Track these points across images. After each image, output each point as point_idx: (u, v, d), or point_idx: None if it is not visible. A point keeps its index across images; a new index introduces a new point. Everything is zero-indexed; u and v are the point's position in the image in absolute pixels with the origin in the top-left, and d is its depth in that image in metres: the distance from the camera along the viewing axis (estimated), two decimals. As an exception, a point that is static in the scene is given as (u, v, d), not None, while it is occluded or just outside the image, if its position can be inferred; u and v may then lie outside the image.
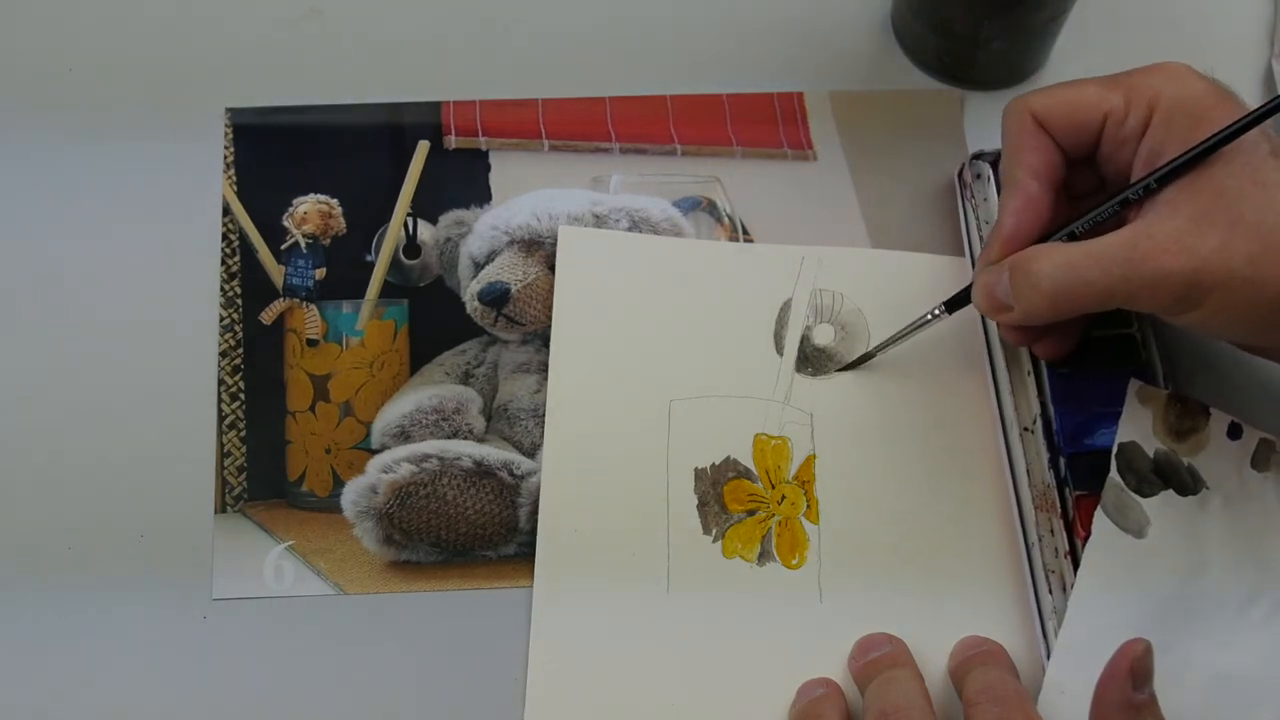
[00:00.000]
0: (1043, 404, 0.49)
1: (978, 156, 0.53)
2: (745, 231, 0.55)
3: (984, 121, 0.56)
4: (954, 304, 0.49)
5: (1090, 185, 0.47)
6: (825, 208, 0.55)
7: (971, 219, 0.52)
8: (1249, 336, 0.45)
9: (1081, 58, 0.58)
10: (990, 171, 0.53)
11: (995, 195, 0.53)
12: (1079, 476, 0.48)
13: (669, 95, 0.57)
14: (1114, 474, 0.48)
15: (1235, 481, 0.48)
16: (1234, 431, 0.48)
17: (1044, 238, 0.45)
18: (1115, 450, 0.48)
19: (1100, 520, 0.47)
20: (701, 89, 0.57)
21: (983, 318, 0.51)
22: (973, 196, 0.53)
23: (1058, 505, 0.48)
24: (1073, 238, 0.45)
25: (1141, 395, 0.48)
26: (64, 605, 0.49)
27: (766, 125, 0.57)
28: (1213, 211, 0.41)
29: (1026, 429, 0.49)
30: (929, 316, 0.49)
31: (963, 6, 0.53)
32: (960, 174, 0.54)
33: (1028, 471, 0.49)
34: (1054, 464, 0.48)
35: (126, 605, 0.49)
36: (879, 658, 0.46)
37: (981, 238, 0.52)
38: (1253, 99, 0.57)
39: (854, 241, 0.54)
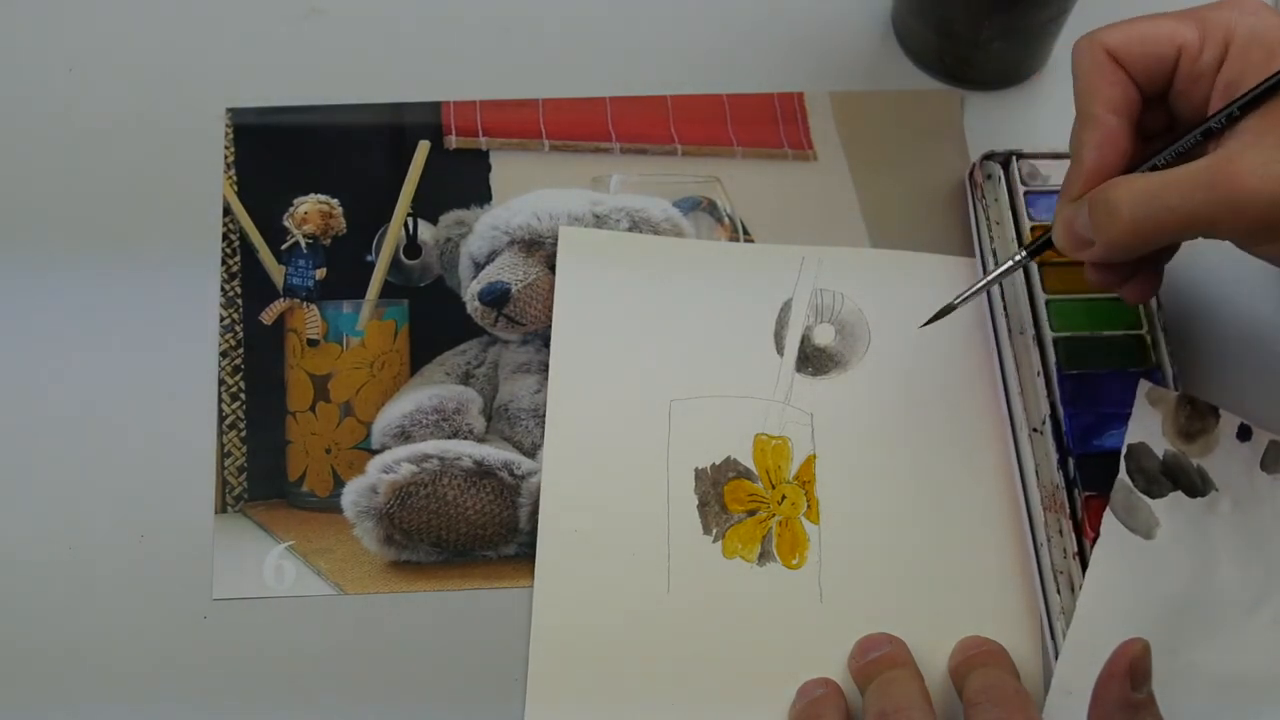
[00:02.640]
0: (1052, 404, 0.49)
1: (989, 157, 0.53)
2: (745, 231, 0.55)
3: (984, 121, 0.57)
4: (1036, 249, 0.47)
5: (1160, 124, 0.46)
6: (825, 208, 0.55)
7: (982, 219, 0.52)
8: None
9: (1082, 58, 0.58)
10: (1000, 172, 0.53)
11: (1005, 195, 0.53)
12: (1088, 477, 0.48)
13: (669, 95, 0.57)
14: (1123, 475, 0.48)
15: (1244, 483, 0.48)
16: (1244, 433, 0.48)
17: (1123, 174, 0.44)
18: (1124, 452, 0.48)
19: (1109, 521, 0.47)
20: (701, 89, 0.57)
21: (992, 317, 0.51)
22: (983, 197, 0.53)
23: (1066, 506, 0.48)
24: (1154, 170, 0.43)
25: (1151, 397, 0.48)
26: (64, 605, 0.49)
27: (766, 125, 0.57)
28: None
29: (1035, 429, 0.49)
30: (1010, 263, 0.47)
31: (963, 6, 0.53)
32: (971, 174, 0.54)
33: (1036, 472, 0.49)
34: (1063, 465, 0.48)
35: (126, 605, 0.49)
36: (879, 658, 0.46)
37: (993, 238, 0.52)
38: (1253, 99, 0.57)
39: (854, 241, 0.55)
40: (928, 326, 0.49)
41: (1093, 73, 0.44)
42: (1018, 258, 0.47)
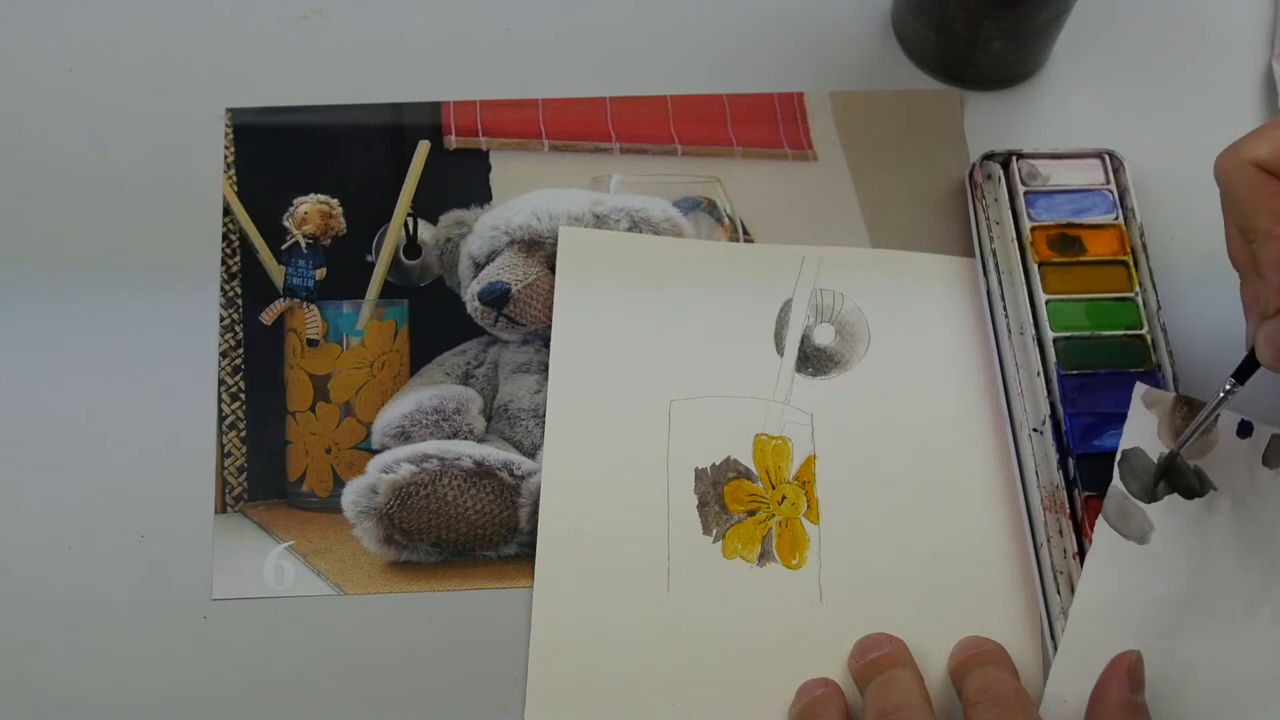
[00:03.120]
0: (1052, 405, 0.49)
1: (989, 157, 0.53)
2: (745, 231, 0.55)
3: (984, 121, 0.56)
4: (1243, 373, 0.45)
5: None
6: (825, 208, 0.55)
7: (982, 219, 0.53)
8: None
9: (1081, 58, 0.58)
10: (1000, 172, 0.53)
11: (1005, 196, 0.53)
12: (1088, 477, 0.48)
13: (669, 95, 0.57)
14: (1116, 481, 0.47)
15: (1245, 480, 0.48)
16: (1244, 430, 0.48)
17: None
18: (1118, 458, 0.48)
19: (1102, 528, 0.47)
20: (701, 89, 0.57)
21: (992, 317, 0.51)
22: (983, 197, 0.53)
23: (1066, 506, 0.48)
24: None
25: (1147, 400, 0.48)
26: (64, 605, 0.49)
27: (766, 125, 0.57)
28: None
29: (1035, 430, 0.49)
30: (1222, 394, 0.45)
31: (963, 6, 0.53)
32: (971, 174, 0.54)
33: (1036, 472, 0.49)
34: (1063, 465, 0.48)
35: (126, 605, 0.49)
36: (879, 658, 0.46)
37: (992, 238, 0.52)
38: (1252, 99, 0.57)
39: (854, 241, 0.55)
40: (1205, 427, 0.47)
41: (1249, 190, 0.43)
42: (1228, 386, 0.45)
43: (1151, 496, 0.47)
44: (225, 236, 0.54)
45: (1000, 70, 0.57)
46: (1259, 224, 0.43)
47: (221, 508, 0.50)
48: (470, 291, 0.54)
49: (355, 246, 0.54)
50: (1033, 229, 0.52)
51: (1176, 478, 0.48)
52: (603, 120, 0.57)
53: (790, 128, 0.57)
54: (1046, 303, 0.51)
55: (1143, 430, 0.48)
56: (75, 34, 0.58)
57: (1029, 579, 0.48)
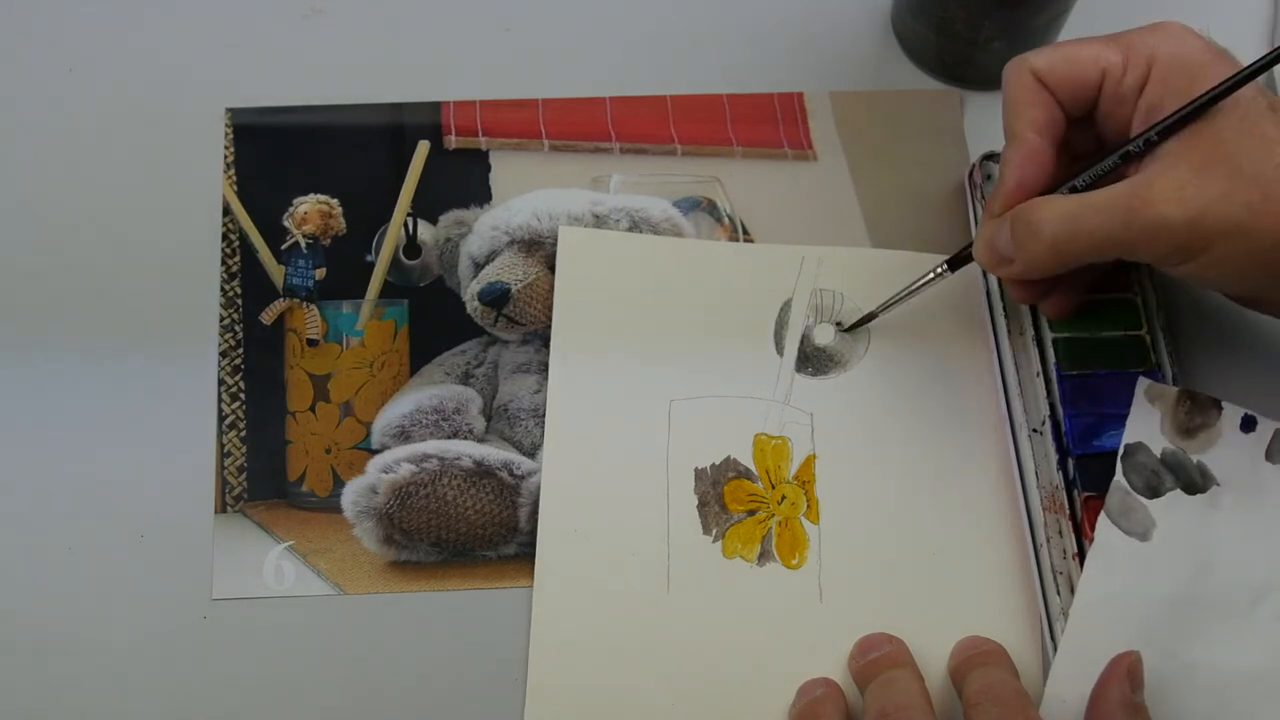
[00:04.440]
0: (1052, 405, 0.49)
1: (989, 157, 0.53)
2: (745, 231, 0.55)
3: (984, 121, 0.57)
4: (956, 261, 0.49)
5: (1088, 146, 0.47)
6: (825, 208, 0.55)
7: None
8: (1245, 287, 0.45)
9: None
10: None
11: None
12: (1088, 478, 0.48)
13: (669, 95, 0.57)
14: (1119, 477, 0.47)
15: (1248, 475, 0.47)
16: (1248, 424, 0.48)
17: (1046, 193, 0.45)
18: (1121, 453, 0.48)
19: (1104, 525, 0.47)
20: (701, 89, 0.57)
21: (992, 318, 0.52)
22: (983, 197, 0.53)
23: (1066, 506, 0.48)
24: (1074, 192, 0.45)
25: (1150, 394, 0.48)
26: (64, 605, 0.49)
27: (766, 125, 0.57)
28: (1212, 163, 0.42)
29: (1035, 430, 0.49)
30: (931, 275, 0.49)
31: (963, 6, 0.53)
32: (970, 174, 0.54)
33: (1036, 473, 0.49)
34: (1063, 465, 0.48)
35: (126, 605, 0.49)
36: (879, 658, 0.46)
37: None
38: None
39: (854, 241, 0.55)
40: (899, 302, 0.50)
41: (1019, 94, 0.46)
42: (938, 269, 0.49)
43: (1153, 492, 0.47)
44: (225, 236, 0.54)
45: (1000, 70, 0.56)
46: (1016, 126, 0.46)
47: (221, 508, 0.50)
48: (470, 291, 0.54)
49: (355, 246, 0.54)
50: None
51: (1179, 473, 0.48)
52: (603, 120, 0.57)
53: (790, 128, 0.57)
54: (1046, 303, 0.51)
55: (1146, 425, 0.48)
56: (75, 34, 0.58)
57: (1029, 579, 0.48)
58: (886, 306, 0.50)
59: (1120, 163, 0.44)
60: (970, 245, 0.48)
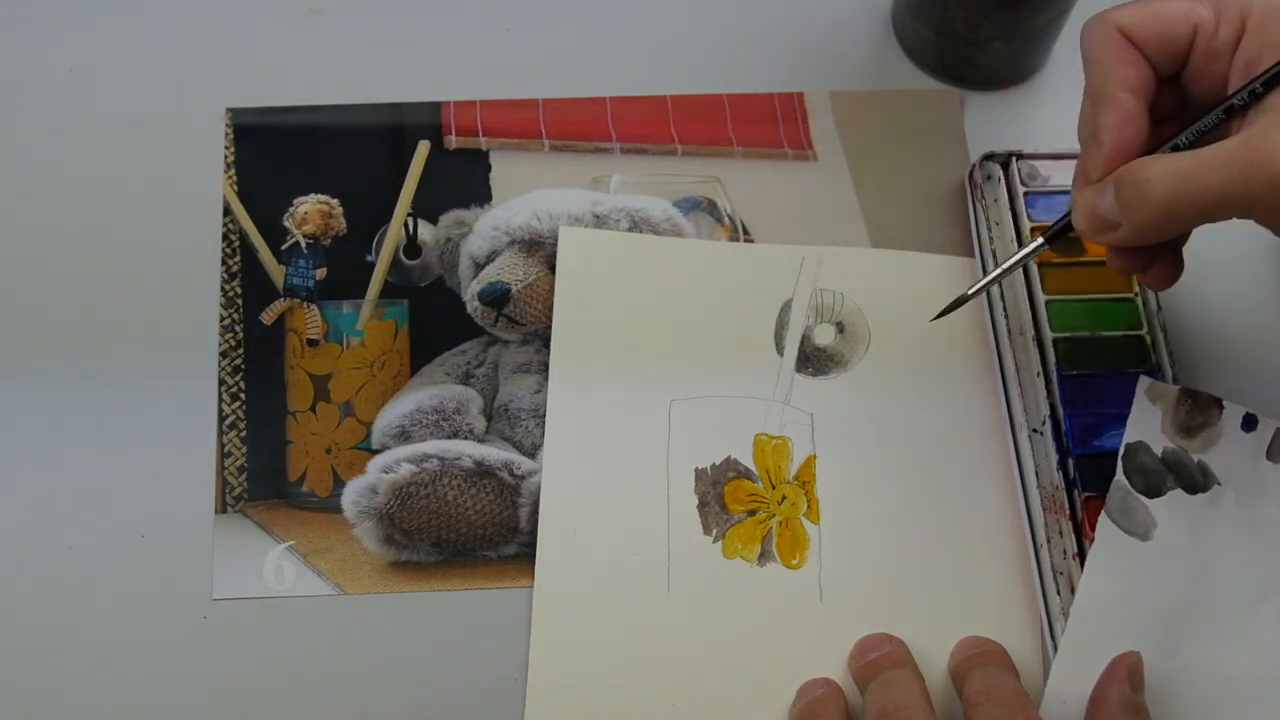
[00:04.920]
0: (1052, 405, 0.49)
1: (989, 158, 0.53)
2: (745, 231, 0.55)
3: (984, 121, 0.57)
4: (1055, 235, 0.45)
5: (1171, 107, 0.45)
6: (825, 208, 0.55)
7: (982, 219, 0.53)
8: None
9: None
10: (1000, 173, 0.53)
11: (1005, 196, 0.53)
12: (1088, 478, 0.48)
13: (669, 95, 0.57)
14: (1120, 476, 0.47)
15: (1249, 475, 0.47)
16: (1248, 423, 0.48)
17: (1144, 155, 0.43)
18: (1122, 452, 0.48)
19: (1104, 524, 0.47)
20: (701, 89, 0.57)
21: (992, 318, 0.51)
22: (983, 197, 0.53)
23: (1066, 507, 0.48)
24: (1176, 150, 0.42)
25: (1151, 393, 0.48)
26: (64, 605, 0.49)
27: (767, 125, 0.57)
28: None
29: (1035, 430, 0.49)
30: (1030, 248, 0.46)
31: (963, 6, 0.53)
32: (970, 175, 0.54)
33: (1036, 473, 0.49)
34: (1063, 465, 0.48)
35: (126, 605, 0.49)
36: (879, 658, 0.46)
37: (992, 238, 0.52)
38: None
39: (854, 241, 0.55)
40: (939, 320, 0.48)
41: (1107, 53, 0.43)
42: (1037, 243, 0.46)
43: (1154, 491, 0.47)
44: (225, 236, 0.54)
45: (1000, 70, 0.57)
46: (1109, 88, 0.43)
47: (221, 508, 0.50)
48: (470, 291, 0.54)
49: (355, 246, 0.54)
50: (1033, 229, 0.52)
51: (1180, 472, 0.48)
52: (603, 120, 0.57)
53: (790, 128, 0.57)
54: (1046, 303, 0.51)
55: (1146, 424, 0.48)
56: (75, 34, 0.58)
57: (1029, 579, 0.48)
58: (979, 288, 0.47)
59: (1224, 117, 0.42)
60: (1067, 215, 0.45)
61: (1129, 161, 0.42)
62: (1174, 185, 0.40)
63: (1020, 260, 0.46)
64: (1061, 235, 0.45)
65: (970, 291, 0.47)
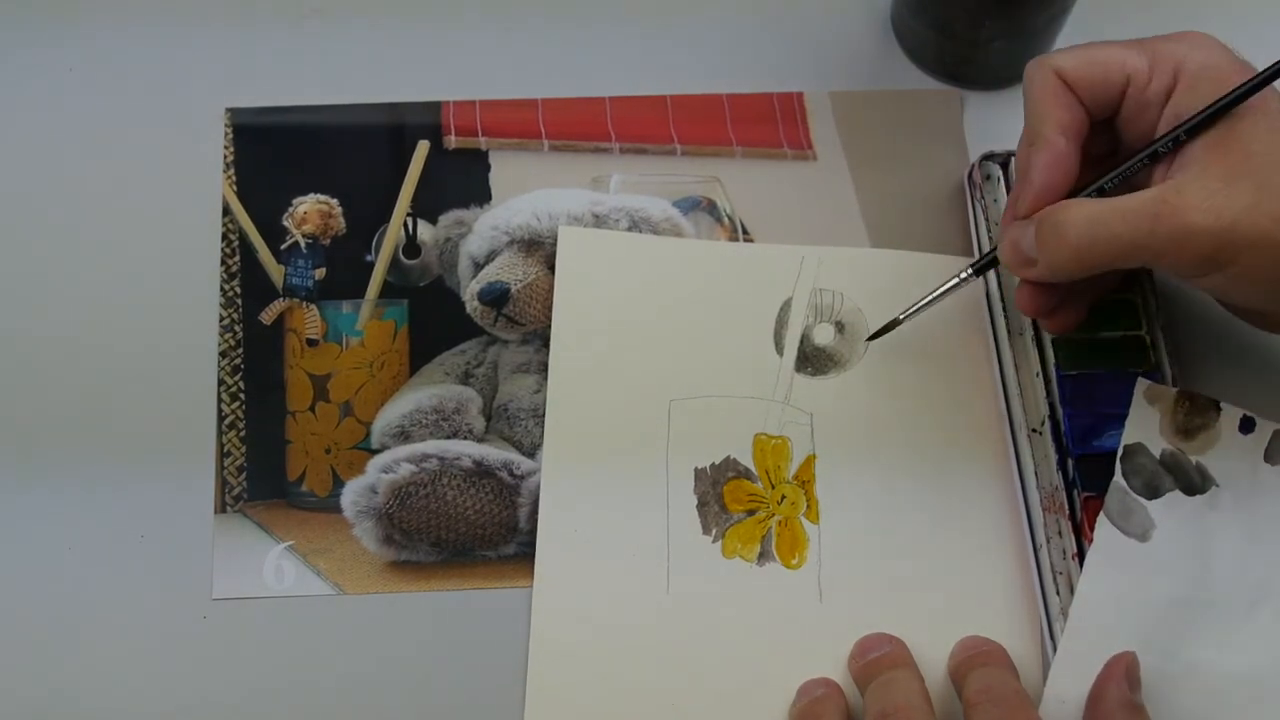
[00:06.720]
0: (1051, 405, 0.49)
1: (988, 158, 0.53)
2: (745, 231, 0.55)
3: (984, 121, 0.56)
4: (981, 267, 0.49)
5: (1106, 148, 0.47)
6: (825, 208, 0.55)
7: (981, 219, 0.53)
8: (1270, 302, 0.44)
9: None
10: (1000, 173, 0.53)
11: (1005, 196, 0.53)
12: (1087, 478, 0.48)
13: (669, 95, 0.57)
14: (1118, 477, 0.47)
15: (1247, 477, 0.47)
16: (1246, 425, 0.48)
17: (1071, 195, 0.45)
18: (1120, 453, 0.48)
19: (1103, 525, 0.47)
20: (701, 89, 0.57)
21: (991, 318, 0.52)
22: (983, 197, 0.53)
23: (1066, 507, 0.48)
24: (1101, 194, 0.45)
25: (1150, 395, 0.48)
26: (65, 605, 0.49)
27: (766, 125, 0.57)
28: (1242, 173, 0.41)
29: (1035, 430, 0.49)
30: (956, 280, 0.49)
31: (963, 6, 0.53)
32: (970, 175, 0.54)
33: (1035, 473, 0.49)
34: (1062, 465, 0.48)
35: (126, 605, 0.49)
36: (879, 658, 0.46)
37: (991, 238, 0.52)
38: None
39: (854, 241, 0.55)
40: (923, 308, 0.49)
41: (1044, 95, 0.45)
42: (964, 274, 0.49)
43: (1152, 492, 0.47)
44: (225, 236, 0.54)
45: (1000, 70, 0.57)
46: (1043, 129, 0.45)
47: (221, 507, 0.50)
48: (470, 291, 0.54)
49: (355, 246, 0.54)
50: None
51: (1178, 474, 0.48)
52: (603, 120, 0.57)
53: (790, 128, 0.57)
54: (1046, 303, 0.51)
55: (1145, 425, 0.48)
56: (75, 34, 0.58)
57: (1029, 579, 0.48)
58: (909, 314, 0.49)
59: (1148, 163, 0.44)
60: (995, 249, 0.47)
61: (1055, 200, 0.44)
62: (1087, 230, 0.43)
63: (950, 288, 0.49)
64: (990, 267, 0.48)
65: (902, 316, 0.50)
